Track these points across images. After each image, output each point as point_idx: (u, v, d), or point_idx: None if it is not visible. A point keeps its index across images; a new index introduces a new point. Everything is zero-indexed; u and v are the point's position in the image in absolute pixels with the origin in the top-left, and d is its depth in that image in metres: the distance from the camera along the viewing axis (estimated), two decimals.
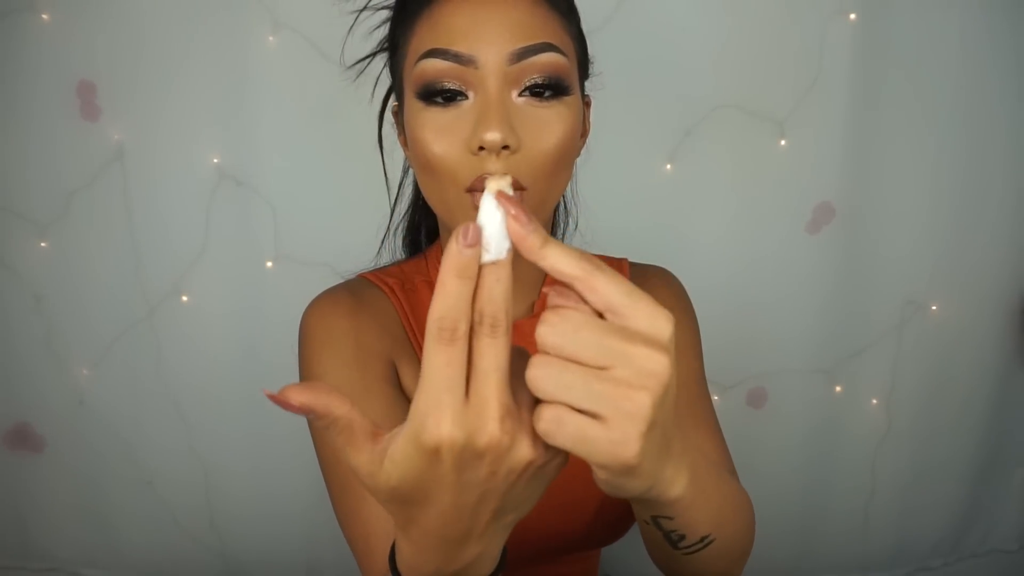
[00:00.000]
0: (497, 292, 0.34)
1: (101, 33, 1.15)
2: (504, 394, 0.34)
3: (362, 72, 0.72)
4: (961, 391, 1.39)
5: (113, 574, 1.35)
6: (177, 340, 1.25)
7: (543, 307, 0.66)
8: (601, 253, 0.83)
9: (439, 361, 0.33)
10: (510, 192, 0.35)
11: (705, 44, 1.20)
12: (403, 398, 0.65)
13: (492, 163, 0.56)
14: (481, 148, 0.56)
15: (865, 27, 1.21)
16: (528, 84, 0.57)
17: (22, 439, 1.29)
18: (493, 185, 0.35)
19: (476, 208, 0.55)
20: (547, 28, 0.58)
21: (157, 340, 1.25)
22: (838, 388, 1.37)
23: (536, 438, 0.35)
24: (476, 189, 0.57)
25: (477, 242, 0.33)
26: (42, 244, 1.22)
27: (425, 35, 0.58)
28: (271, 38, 1.16)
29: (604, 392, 0.33)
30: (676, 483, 0.41)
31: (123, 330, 1.25)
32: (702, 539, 0.50)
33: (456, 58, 0.56)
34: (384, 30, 0.68)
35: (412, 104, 0.59)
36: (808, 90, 1.23)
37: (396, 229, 0.81)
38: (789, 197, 1.27)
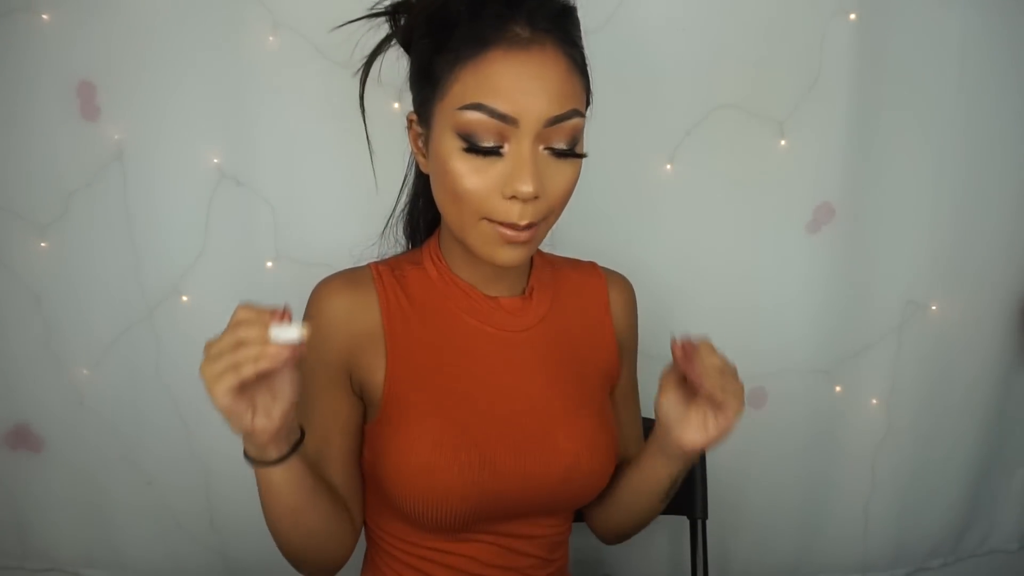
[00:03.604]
0: None
1: (101, 33, 1.14)
2: None
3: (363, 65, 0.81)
4: (961, 391, 1.39)
5: (113, 574, 1.35)
6: (177, 340, 1.25)
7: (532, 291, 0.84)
8: (568, 256, 0.87)
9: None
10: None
11: (705, 44, 1.20)
12: (343, 403, 0.81)
13: (519, 207, 0.68)
14: (513, 196, 0.67)
15: (865, 27, 1.21)
16: (552, 146, 0.69)
17: (22, 439, 1.29)
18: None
19: (493, 238, 0.73)
20: (575, 93, 0.69)
21: (157, 340, 1.25)
22: (838, 388, 1.37)
23: None
24: (493, 220, 0.69)
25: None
26: (42, 244, 1.22)
27: (471, 84, 0.66)
28: (271, 38, 1.16)
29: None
30: None
31: (123, 330, 1.25)
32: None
33: (502, 118, 0.66)
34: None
35: (448, 139, 0.68)
36: (808, 90, 1.22)
37: (398, 219, 0.90)
38: (789, 197, 1.27)
